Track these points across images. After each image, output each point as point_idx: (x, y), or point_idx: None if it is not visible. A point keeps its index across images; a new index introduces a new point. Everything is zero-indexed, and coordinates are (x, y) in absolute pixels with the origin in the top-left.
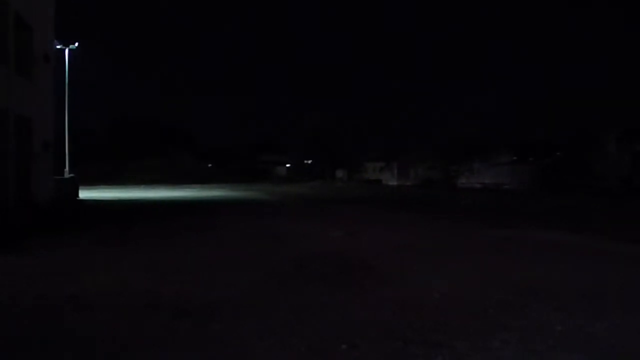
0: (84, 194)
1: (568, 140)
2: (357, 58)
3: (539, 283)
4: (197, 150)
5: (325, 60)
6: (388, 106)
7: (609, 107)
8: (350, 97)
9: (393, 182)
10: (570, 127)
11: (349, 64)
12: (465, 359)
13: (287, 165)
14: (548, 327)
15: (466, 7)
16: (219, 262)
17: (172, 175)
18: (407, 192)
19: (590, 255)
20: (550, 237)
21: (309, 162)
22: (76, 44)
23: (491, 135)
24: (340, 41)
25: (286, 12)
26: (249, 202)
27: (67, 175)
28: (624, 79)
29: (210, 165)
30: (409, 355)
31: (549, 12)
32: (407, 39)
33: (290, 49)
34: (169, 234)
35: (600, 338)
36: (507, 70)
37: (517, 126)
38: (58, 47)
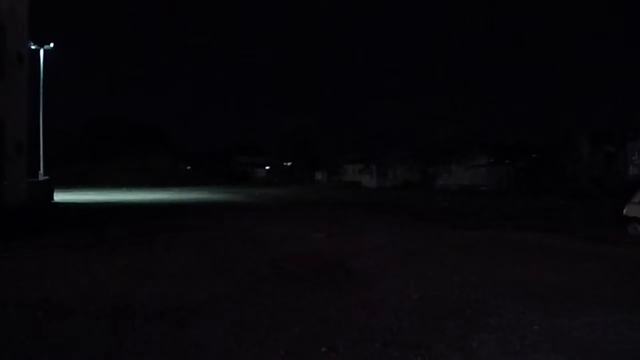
0: (60, 196)
1: (543, 143)
2: (335, 58)
3: (516, 283)
4: (175, 153)
5: (303, 61)
6: (367, 107)
7: (581, 107)
8: (330, 98)
9: (372, 184)
10: (545, 129)
11: (328, 63)
12: None
13: (267, 167)
14: (525, 327)
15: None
16: (197, 265)
17: (150, 178)
18: (386, 193)
19: (564, 255)
20: (525, 238)
21: (288, 164)
22: (51, 45)
23: (468, 138)
24: (321, 40)
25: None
26: (229, 205)
27: (41, 177)
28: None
29: (188, 167)
30: (388, 356)
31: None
32: (379, 39)
33: (271, 49)
34: (145, 237)
35: (576, 336)
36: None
37: (493, 128)
38: (33, 47)
